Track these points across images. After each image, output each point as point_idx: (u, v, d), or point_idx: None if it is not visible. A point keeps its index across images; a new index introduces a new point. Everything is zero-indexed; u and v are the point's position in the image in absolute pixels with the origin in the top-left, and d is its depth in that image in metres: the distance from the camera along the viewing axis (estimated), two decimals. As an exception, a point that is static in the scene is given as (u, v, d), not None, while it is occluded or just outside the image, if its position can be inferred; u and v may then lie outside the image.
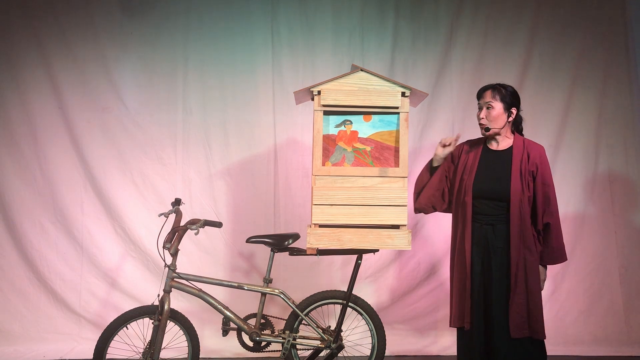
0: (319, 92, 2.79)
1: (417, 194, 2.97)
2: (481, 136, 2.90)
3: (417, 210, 2.99)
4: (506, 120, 2.81)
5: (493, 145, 2.86)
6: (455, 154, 2.94)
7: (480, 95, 2.86)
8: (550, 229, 2.75)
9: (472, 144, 2.95)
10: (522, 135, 2.89)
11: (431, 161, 2.94)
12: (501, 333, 2.68)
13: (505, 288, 2.70)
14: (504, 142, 2.84)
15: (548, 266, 2.84)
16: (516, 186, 2.72)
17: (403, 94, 2.80)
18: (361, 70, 2.81)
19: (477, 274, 2.75)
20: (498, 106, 2.78)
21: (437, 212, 3.03)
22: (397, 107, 2.81)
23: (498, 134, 2.82)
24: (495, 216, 2.75)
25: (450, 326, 2.88)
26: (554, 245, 2.76)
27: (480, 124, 2.84)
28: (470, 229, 2.77)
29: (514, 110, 2.82)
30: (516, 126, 2.89)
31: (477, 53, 4.16)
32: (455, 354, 2.93)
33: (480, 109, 2.84)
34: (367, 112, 2.84)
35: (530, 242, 2.72)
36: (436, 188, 2.92)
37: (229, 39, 4.12)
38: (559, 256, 2.79)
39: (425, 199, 2.94)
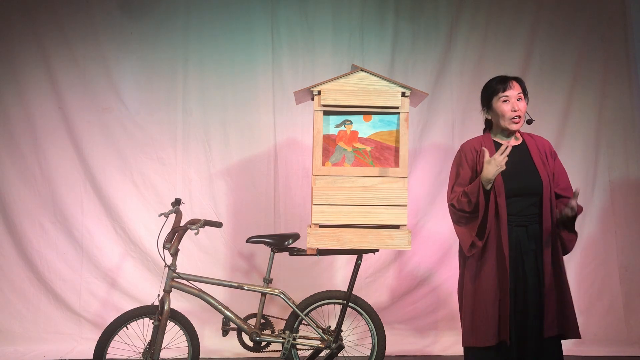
0: (319, 92, 2.79)
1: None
2: (479, 135, 2.80)
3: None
4: None
5: (504, 142, 2.65)
6: (468, 157, 2.68)
7: (508, 85, 2.62)
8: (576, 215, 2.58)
9: (477, 142, 2.71)
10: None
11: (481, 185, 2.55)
12: (534, 338, 2.50)
13: (538, 292, 2.52)
14: (514, 137, 2.70)
15: None
16: (545, 178, 2.57)
17: (403, 94, 2.79)
18: (361, 70, 2.81)
19: (510, 281, 2.52)
20: (523, 98, 2.64)
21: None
22: (397, 107, 2.80)
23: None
24: (528, 216, 2.57)
25: (478, 345, 2.54)
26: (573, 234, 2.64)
27: (518, 117, 2.60)
28: (507, 233, 2.51)
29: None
30: None
31: (477, 53, 4.16)
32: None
33: (507, 100, 2.61)
34: (367, 112, 2.83)
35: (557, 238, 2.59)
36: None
37: (229, 38, 4.12)
38: (573, 245, 2.65)
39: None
